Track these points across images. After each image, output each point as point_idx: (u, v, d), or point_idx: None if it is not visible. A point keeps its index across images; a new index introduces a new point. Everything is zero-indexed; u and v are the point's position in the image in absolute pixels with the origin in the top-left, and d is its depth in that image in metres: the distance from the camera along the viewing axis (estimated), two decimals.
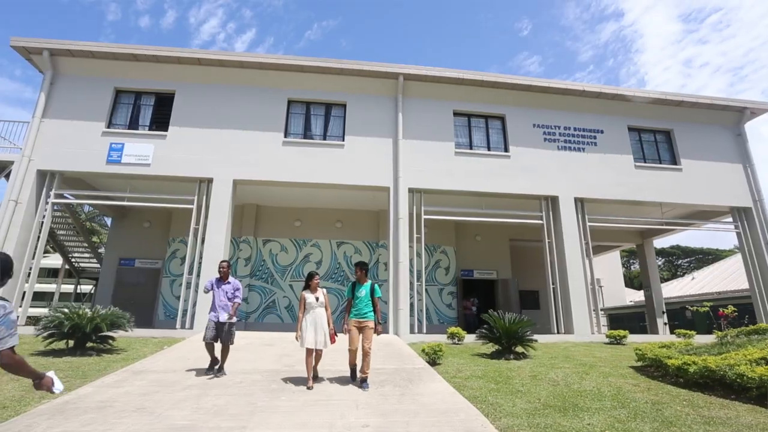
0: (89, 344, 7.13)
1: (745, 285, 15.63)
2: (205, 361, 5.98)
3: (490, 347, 7.85)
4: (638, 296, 26.42)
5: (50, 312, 7.20)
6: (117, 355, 7.04)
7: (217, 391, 4.81)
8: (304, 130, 11.43)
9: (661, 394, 4.99)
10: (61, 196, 10.75)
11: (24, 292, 9.54)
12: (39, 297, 31.43)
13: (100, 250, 15.41)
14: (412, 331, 9.98)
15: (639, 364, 6.63)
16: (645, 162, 12.33)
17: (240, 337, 8.90)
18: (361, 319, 5.35)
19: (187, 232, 12.98)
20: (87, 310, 7.11)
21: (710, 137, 12.75)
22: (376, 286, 5.58)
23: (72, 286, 26.45)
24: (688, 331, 10.28)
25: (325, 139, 11.39)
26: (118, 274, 13.51)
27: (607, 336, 9.78)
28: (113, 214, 14.19)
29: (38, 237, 9.90)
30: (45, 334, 6.90)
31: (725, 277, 18.90)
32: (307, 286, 5.47)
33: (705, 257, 42.15)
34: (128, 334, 7.91)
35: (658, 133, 12.79)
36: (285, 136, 11.04)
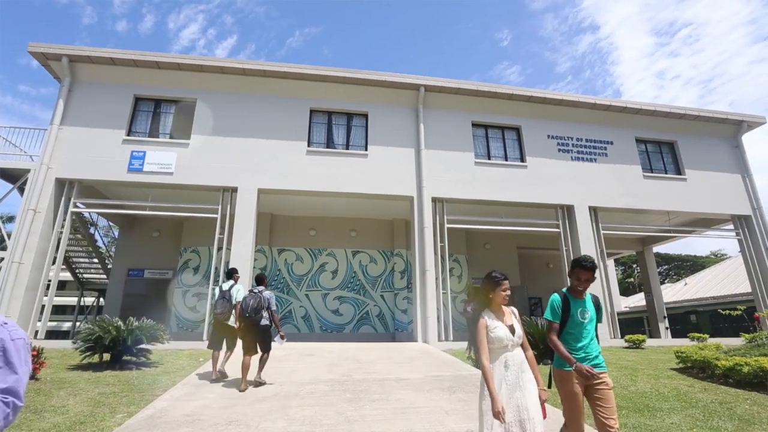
0: (125, 357, 6.97)
1: (741, 289, 16.40)
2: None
3: None
4: (631, 302, 27.23)
5: (86, 325, 7.00)
6: (156, 368, 6.87)
7: (297, 402, 4.77)
8: (327, 140, 11.47)
9: (720, 394, 5.21)
10: (76, 205, 10.42)
11: (43, 306, 9.17)
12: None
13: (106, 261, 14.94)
14: (439, 339, 10.06)
15: (680, 366, 6.88)
16: (652, 172, 12.87)
17: (275, 348, 8.76)
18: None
19: (199, 241, 12.86)
20: (120, 322, 6.95)
21: (711, 148, 13.42)
22: (600, 301, 3.03)
23: (66, 299, 25.35)
24: (701, 335, 10.70)
25: (347, 148, 11.45)
26: (126, 285, 13.13)
27: (626, 340, 10.08)
28: (121, 223, 13.82)
29: (57, 246, 9.57)
30: (83, 348, 6.69)
31: (718, 282, 19.71)
32: (488, 303, 2.65)
33: (683, 264, 43.81)
34: (165, 346, 7.72)
35: (663, 144, 13.39)
36: (308, 146, 11.06)
